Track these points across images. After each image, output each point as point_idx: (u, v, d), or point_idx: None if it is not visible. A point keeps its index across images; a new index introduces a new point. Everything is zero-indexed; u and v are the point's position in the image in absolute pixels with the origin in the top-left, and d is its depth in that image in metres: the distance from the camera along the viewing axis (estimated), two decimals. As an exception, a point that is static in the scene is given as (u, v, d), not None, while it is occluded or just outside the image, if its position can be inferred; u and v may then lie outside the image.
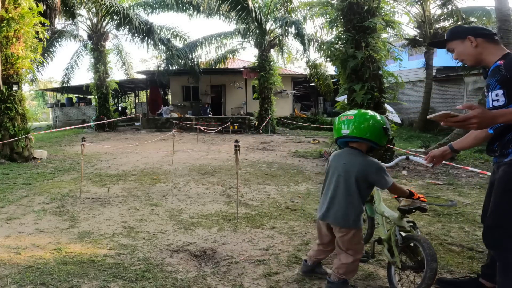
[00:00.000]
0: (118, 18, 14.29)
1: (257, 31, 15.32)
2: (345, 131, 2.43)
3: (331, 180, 2.53)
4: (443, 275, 2.98)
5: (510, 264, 2.10)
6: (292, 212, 4.67)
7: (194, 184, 6.30)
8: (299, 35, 14.91)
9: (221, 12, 16.10)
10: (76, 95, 28.28)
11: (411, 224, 2.69)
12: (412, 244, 2.52)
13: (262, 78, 16.88)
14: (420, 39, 17.67)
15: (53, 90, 27.80)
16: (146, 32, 15.54)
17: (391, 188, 2.51)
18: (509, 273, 2.10)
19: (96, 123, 17.46)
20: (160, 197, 5.39)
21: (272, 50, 17.85)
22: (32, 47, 8.86)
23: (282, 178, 6.88)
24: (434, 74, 18.09)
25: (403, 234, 2.62)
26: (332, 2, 9.45)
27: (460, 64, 14.50)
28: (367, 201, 3.16)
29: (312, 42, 17.49)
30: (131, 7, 17.25)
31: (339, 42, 8.85)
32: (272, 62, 17.33)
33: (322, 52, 16.21)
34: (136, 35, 15.60)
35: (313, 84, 22.23)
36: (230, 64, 21.32)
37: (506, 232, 2.11)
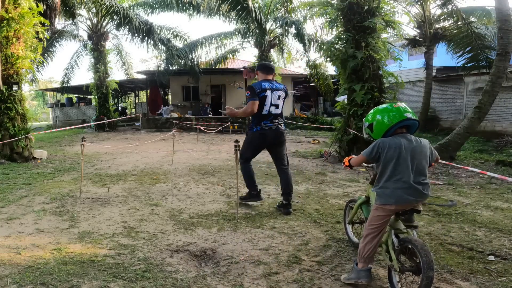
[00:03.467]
0: (118, 18, 14.28)
1: (257, 31, 15.32)
2: (408, 114, 2.56)
3: (408, 165, 2.52)
4: (443, 275, 2.98)
5: None
6: (292, 212, 4.67)
7: (194, 184, 6.30)
8: (299, 35, 14.91)
9: (221, 12, 16.09)
10: (76, 95, 28.27)
11: (413, 226, 2.69)
12: (409, 246, 2.50)
13: (262, 78, 16.86)
14: (420, 39, 17.67)
15: (53, 90, 27.79)
16: (146, 32, 15.54)
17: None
18: None
19: (96, 123, 17.46)
20: (160, 197, 5.39)
21: (272, 50, 17.85)
22: (32, 47, 8.86)
23: (282, 178, 6.87)
24: (434, 74, 18.09)
25: (401, 236, 2.61)
26: (332, 2, 9.45)
27: (460, 64, 14.53)
28: (364, 202, 3.22)
29: (312, 42, 17.48)
30: (131, 7, 17.25)
31: (339, 42, 8.85)
32: (272, 62, 17.32)
33: (322, 52, 16.20)
34: (136, 35, 15.59)
35: (313, 84, 22.23)
36: (230, 64, 21.31)
37: None
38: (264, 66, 4.78)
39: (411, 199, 2.54)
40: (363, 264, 2.69)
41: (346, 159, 3.02)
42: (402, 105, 2.62)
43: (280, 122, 4.65)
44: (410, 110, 2.59)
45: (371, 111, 2.73)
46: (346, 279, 2.80)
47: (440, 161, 7.30)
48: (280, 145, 4.78)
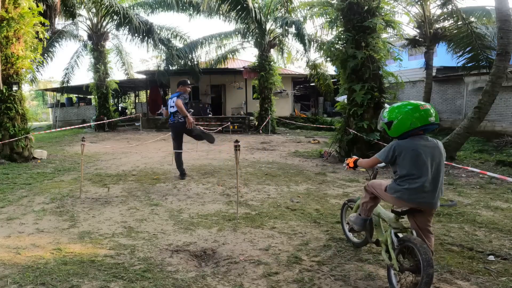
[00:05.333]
0: (118, 18, 14.27)
1: (257, 31, 15.31)
2: (432, 119, 2.52)
3: (427, 167, 2.49)
4: (443, 275, 2.98)
5: None
6: (292, 212, 4.67)
7: (194, 184, 6.30)
8: (300, 35, 14.89)
9: (221, 12, 16.09)
10: (76, 95, 28.26)
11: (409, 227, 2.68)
12: (409, 245, 2.51)
13: (262, 78, 16.87)
14: (420, 39, 17.66)
15: (53, 90, 27.76)
16: (146, 32, 15.52)
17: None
18: None
19: (96, 123, 17.45)
20: (160, 197, 5.39)
21: (272, 50, 17.83)
22: (32, 47, 8.85)
23: (282, 178, 6.88)
24: (434, 74, 18.07)
25: (400, 235, 2.64)
26: (332, 2, 9.45)
27: (460, 64, 14.53)
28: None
29: (312, 42, 17.47)
30: (131, 7, 17.23)
31: (339, 42, 8.85)
32: (272, 62, 17.31)
33: (322, 52, 16.18)
34: (136, 35, 15.57)
35: (313, 84, 22.21)
36: (230, 64, 21.30)
37: None
38: (178, 83, 7.01)
39: (423, 203, 2.53)
40: (362, 213, 2.95)
41: (350, 161, 3.03)
42: (428, 106, 2.55)
43: (179, 117, 6.68)
44: (434, 113, 2.53)
45: (394, 107, 2.64)
46: (349, 219, 3.16)
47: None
48: (187, 132, 6.78)
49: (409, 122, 2.51)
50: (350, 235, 3.56)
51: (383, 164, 2.79)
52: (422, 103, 2.58)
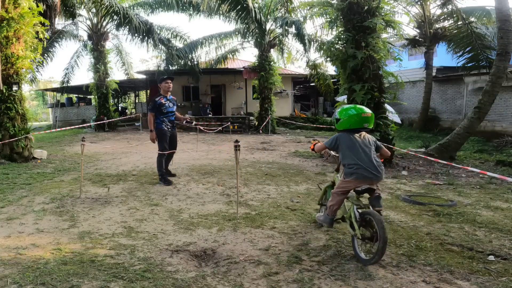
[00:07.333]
0: (118, 18, 14.27)
1: (257, 31, 15.31)
2: (366, 125, 3.35)
3: (362, 152, 3.26)
4: (443, 275, 2.98)
5: None
6: (292, 212, 4.67)
7: (194, 184, 6.30)
8: (300, 35, 14.89)
9: (221, 12, 16.09)
10: (76, 95, 28.26)
11: (379, 210, 3.19)
12: (367, 219, 3.12)
13: (262, 78, 16.87)
14: (420, 39, 17.67)
15: (53, 90, 27.77)
16: (146, 32, 15.52)
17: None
18: None
19: (96, 123, 17.45)
20: (160, 197, 5.39)
21: (272, 50, 17.82)
22: (32, 47, 8.84)
23: (282, 178, 6.88)
24: (434, 74, 18.10)
25: (361, 211, 3.24)
26: (332, 2, 9.44)
27: (460, 64, 14.54)
28: (329, 185, 3.95)
29: (312, 42, 17.47)
30: (131, 7, 17.24)
31: (339, 42, 8.85)
32: (272, 62, 17.31)
33: (322, 52, 16.18)
34: (136, 35, 15.57)
35: (313, 84, 22.21)
36: (230, 64, 21.30)
37: None
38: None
39: (369, 177, 3.20)
40: (329, 214, 3.49)
41: (312, 145, 3.83)
42: (369, 115, 3.31)
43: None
44: (370, 121, 3.34)
45: (344, 108, 3.40)
46: (317, 218, 3.79)
47: (440, 161, 7.30)
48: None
49: (349, 124, 3.34)
50: (321, 214, 4.04)
51: (333, 152, 3.66)
52: (367, 111, 3.33)
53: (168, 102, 6.41)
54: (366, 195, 3.29)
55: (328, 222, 3.51)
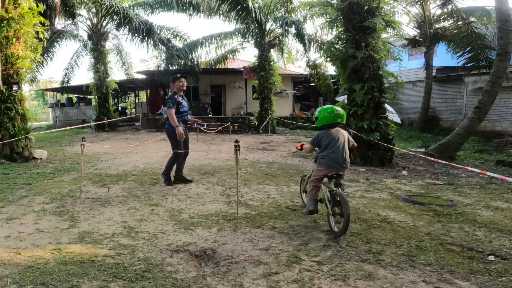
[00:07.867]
0: (118, 18, 14.27)
1: (257, 31, 15.29)
2: (339, 120, 4.01)
3: (336, 145, 3.91)
4: (443, 275, 2.98)
5: None
6: (292, 212, 4.67)
7: (194, 184, 6.30)
8: (300, 35, 14.89)
9: (221, 12, 16.06)
10: (76, 95, 28.24)
11: (339, 184, 4.02)
12: (337, 198, 3.78)
13: (262, 78, 16.87)
14: (420, 39, 17.66)
15: (53, 90, 27.75)
16: (146, 32, 15.53)
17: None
18: None
19: (96, 123, 17.44)
20: (160, 197, 5.39)
21: (272, 50, 17.82)
22: (32, 47, 8.84)
23: (282, 178, 6.88)
24: (434, 74, 18.08)
25: (332, 192, 3.90)
26: (332, 2, 9.45)
27: (460, 64, 14.54)
28: (309, 175, 4.38)
29: (312, 42, 17.47)
30: (131, 7, 17.23)
31: (339, 42, 8.85)
32: (272, 62, 17.30)
33: (322, 52, 16.18)
34: (136, 35, 15.57)
35: (313, 84, 22.21)
36: (230, 64, 21.29)
37: None
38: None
39: (336, 166, 3.93)
40: (311, 198, 4.10)
41: (298, 145, 4.44)
42: (341, 112, 3.97)
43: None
44: (342, 117, 3.99)
45: (322, 108, 4.07)
46: (305, 210, 4.16)
47: (440, 161, 7.30)
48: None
49: (325, 120, 3.99)
50: (305, 200, 4.59)
51: (317, 148, 4.18)
52: (338, 109, 4.00)
53: (184, 101, 6.13)
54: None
55: (313, 204, 4.05)
